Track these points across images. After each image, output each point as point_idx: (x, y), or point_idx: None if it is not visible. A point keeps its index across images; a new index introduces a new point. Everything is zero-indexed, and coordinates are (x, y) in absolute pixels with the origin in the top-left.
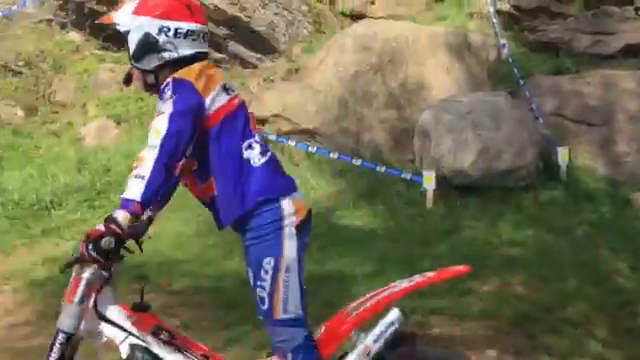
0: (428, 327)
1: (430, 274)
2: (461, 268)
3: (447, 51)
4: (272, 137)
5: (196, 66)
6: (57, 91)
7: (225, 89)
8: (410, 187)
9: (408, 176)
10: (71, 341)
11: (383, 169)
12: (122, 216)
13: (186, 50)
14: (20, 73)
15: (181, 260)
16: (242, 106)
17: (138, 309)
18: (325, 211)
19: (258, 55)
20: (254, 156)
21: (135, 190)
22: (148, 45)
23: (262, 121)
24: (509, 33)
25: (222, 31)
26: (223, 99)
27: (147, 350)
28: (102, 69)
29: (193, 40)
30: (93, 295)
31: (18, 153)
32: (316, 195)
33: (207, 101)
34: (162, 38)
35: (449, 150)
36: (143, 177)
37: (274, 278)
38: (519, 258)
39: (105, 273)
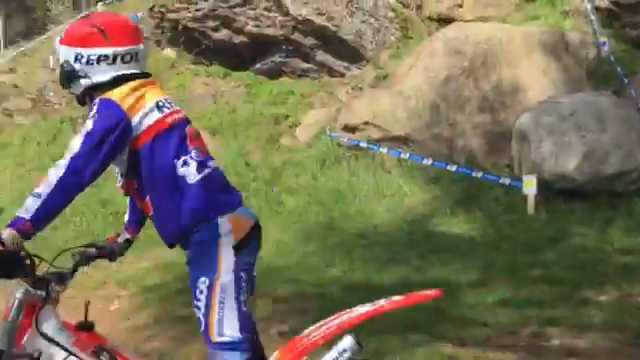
0: (545, 338)
1: (397, 298)
2: (432, 292)
3: (543, 51)
4: (363, 144)
5: (125, 87)
6: None
7: (159, 107)
8: (509, 192)
9: (507, 181)
10: (3, 356)
11: (480, 174)
12: (7, 234)
13: (102, 76)
14: None
15: (283, 267)
16: (179, 123)
17: (82, 328)
18: (421, 218)
19: (345, 64)
20: (189, 173)
21: (29, 208)
22: (67, 72)
23: (352, 129)
24: (608, 30)
25: (310, 41)
26: (154, 117)
27: None
28: (197, 83)
29: (108, 65)
30: (33, 314)
31: None
32: (410, 202)
33: (134, 120)
34: (77, 65)
35: (550, 153)
36: (40, 196)
37: (209, 298)
38: (635, 267)
39: (40, 292)
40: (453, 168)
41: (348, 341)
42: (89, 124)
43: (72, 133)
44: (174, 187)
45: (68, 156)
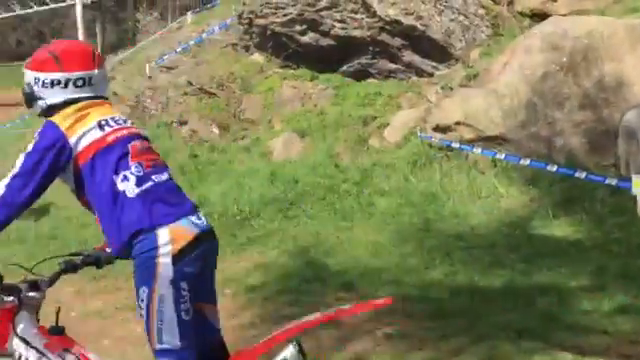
0: None
1: (346, 307)
2: (382, 301)
3: None
4: (455, 145)
5: (70, 109)
6: (246, 109)
7: (100, 126)
8: (615, 193)
9: (613, 182)
10: None
11: (583, 175)
12: None
13: (55, 98)
14: (214, 94)
15: (381, 268)
16: (121, 140)
17: (53, 332)
18: (520, 220)
19: (434, 63)
20: (129, 187)
21: None
22: (28, 94)
23: (444, 129)
24: None
25: (397, 42)
26: (95, 136)
27: None
28: (285, 86)
29: (61, 88)
30: (10, 319)
31: (216, 167)
32: (507, 203)
33: (72, 140)
34: (36, 88)
35: None
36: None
37: (148, 307)
38: None
39: (11, 298)
40: (553, 168)
41: (289, 350)
42: (30, 145)
43: (168, 138)
44: (114, 202)
45: (10, 175)
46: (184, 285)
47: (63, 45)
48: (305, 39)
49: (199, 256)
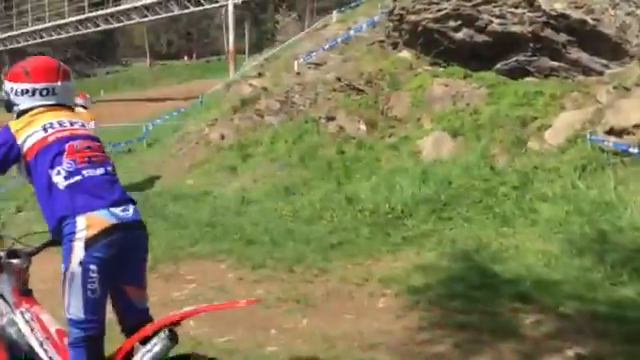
0: None
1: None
2: (244, 302)
3: None
4: (633, 150)
5: (27, 114)
6: (394, 106)
7: (45, 129)
8: None
9: None
10: None
11: None
12: None
13: (24, 105)
14: (362, 91)
15: (559, 280)
16: (60, 140)
17: (23, 293)
18: None
19: (604, 61)
20: (59, 181)
21: None
22: (6, 101)
23: (619, 132)
24: None
25: (562, 38)
26: (38, 137)
27: (15, 322)
28: (435, 84)
29: (29, 97)
30: None
31: (363, 164)
32: None
33: (20, 140)
34: (12, 96)
35: None
36: None
37: (63, 283)
38: None
39: None
40: None
41: (161, 335)
42: None
43: (315, 133)
44: (49, 192)
45: None
46: (93, 267)
47: (34, 61)
48: (459, 35)
49: (113, 243)
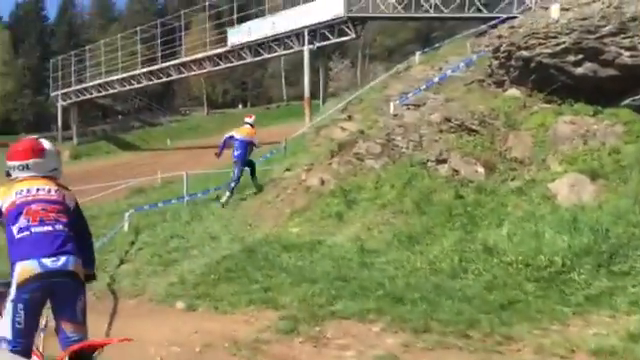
0: None
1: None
2: (120, 339)
3: None
4: None
5: (10, 182)
6: (513, 147)
7: (16, 194)
8: None
9: None
10: None
11: None
12: None
13: (13, 175)
14: (475, 131)
15: None
16: (23, 203)
17: None
18: None
19: None
20: (15, 234)
21: None
22: (6, 172)
23: None
24: None
25: None
26: (10, 200)
27: None
28: (561, 122)
29: (13, 170)
30: None
31: (487, 210)
32: None
33: (1, 201)
34: (6, 167)
35: None
36: None
37: (3, 312)
38: None
39: None
40: None
41: None
42: None
43: (426, 177)
44: (11, 242)
45: None
46: (20, 305)
47: (17, 144)
48: (579, 70)
49: (37, 287)
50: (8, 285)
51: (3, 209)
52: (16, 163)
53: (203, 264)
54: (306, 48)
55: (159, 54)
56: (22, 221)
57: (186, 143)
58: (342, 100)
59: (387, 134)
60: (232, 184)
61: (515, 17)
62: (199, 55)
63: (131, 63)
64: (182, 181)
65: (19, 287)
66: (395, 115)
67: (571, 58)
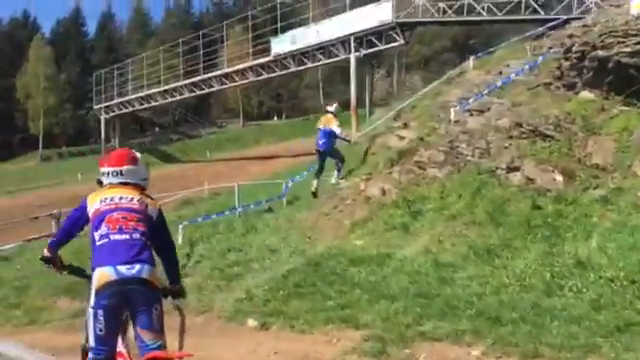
0: None
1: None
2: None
3: None
4: None
5: (100, 189)
6: (594, 153)
7: (101, 201)
8: None
9: None
10: None
11: None
12: (45, 250)
13: (105, 181)
14: (550, 137)
15: None
16: (106, 210)
17: None
18: None
19: None
20: (97, 240)
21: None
22: (98, 179)
23: None
24: None
25: None
26: (96, 206)
27: None
28: None
29: (106, 176)
30: None
31: (570, 221)
32: None
33: (89, 207)
34: (100, 175)
35: None
36: (56, 234)
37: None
38: None
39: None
40: None
41: None
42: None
43: (497, 186)
44: (93, 245)
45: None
46: (100, 312)
47: (113, 151)
48: None
49: (113, 294)
50: (83, 272)
51: (90, 215)
52: (110, 169)
53: (269, 278)
54: (352, 55)
55: (201, 65)
56: (103, 228)
57: (226, 154)
58: (392, 109)
59: (450, 141)
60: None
61: (578, 18)
62: (241, 65)
63: (172, 75)
64: (230, 192)
65: (97, 293)
66: (457, 121)
67: None
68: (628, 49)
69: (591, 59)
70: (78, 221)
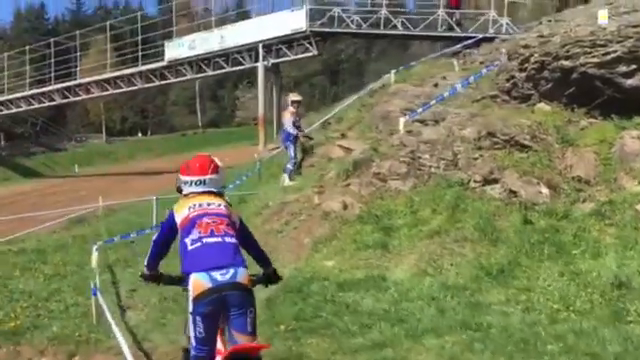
0: None
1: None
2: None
3: None
4: None
5: (184, 198)
6: (574, 165)
7: (189, 208)
8: None
9: None
10: None
11: None
12: (145, 269)
13: (185, 190)
14: (528, 147)
15: None
16: (196, 216)
17: None
18: None
19: None
20: (188, 245)
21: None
22: (177, 187)
23: None
24: None
25: None
26: (184, 214)
27: None
28: (627, 138)
29: (188, 185)
30: None
31: (567, 237)
32: None
33: (177, 215)
34: (180, 183)
35: None
36: (149, 254)
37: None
38: None
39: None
40: None
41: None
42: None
43: (477, 199)
44: (184, 252)
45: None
46: (198, 318)
47: (193, 159)
48: (630, 82)
49: (210, 302)
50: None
51: (178, 223)
52: (193, 178)
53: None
54: (260, 64)
55: (52, 74)
56: (194, 233)
57: (97, 170)
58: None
59: (411, 152)
60: (289, 165)
61: (492, 37)
62: (114, 74)
63: (21, 84)
64: (126, 209)
65: (195, 301)
66: (410, 131)
67: (622, 69)
68: (595, 60)
69: (552, 70)
70: (168, 233)
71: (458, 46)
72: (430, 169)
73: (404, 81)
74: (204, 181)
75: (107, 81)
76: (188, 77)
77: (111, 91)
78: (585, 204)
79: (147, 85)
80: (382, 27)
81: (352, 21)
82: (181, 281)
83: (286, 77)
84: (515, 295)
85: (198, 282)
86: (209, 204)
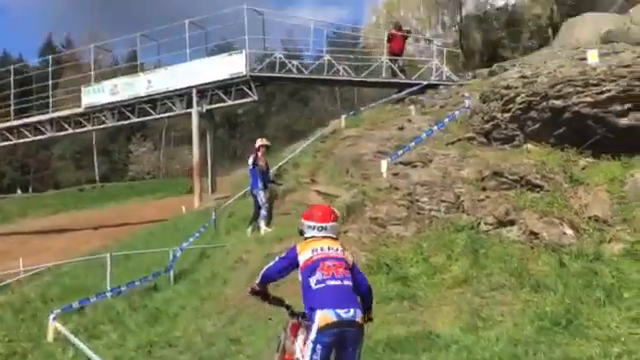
0: None
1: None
2: None
3: None
4: None
5: (306, 240)
6: (589, 205)
7: (312, 251)
8: None
9: None
10: None
11: None
12: (254, 284)
13: (307, 233)
14: (540, 187)
15: None
16: (319, 259)
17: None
18: None
19: None
20: (312, 285)
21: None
22: (300, 230)
23: None
24: None
25: None
26: (307, 256)
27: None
28: (638, 176)
29: (310, 229)
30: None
31: (607, 280)
32: None
33: (300, 255)
34: (303, 227)
35: None
36: (266, 274)
37: (304, 346)
38: None
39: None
40: None
41: None
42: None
43: (497, 243)
44: (307, 290)
45: (270, 263)
46: (318, 346)
47: (316, 207)
48: (623, 121)
49: (333, 334)
50: (300, 315)
51: (301, 263)
52: (317, 224)
53: None
54: (194, 110)
55: None
56: (318, 275)
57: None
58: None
59: (408, 194)
60: (263, 211)
61: (436, 85)
62: (21, 121)
63: None
64: (51, 271)
65: (320, 331)
66: (396, 174)
67: (616, 108)
68: (589, 99)
69: (541, 110)
70: (288, 267)
71: (403, 93)
72: (430, 212)
73: (356, 126)
74: (325, 227)
75: (10, 130)
76: (108, 124)
77: (14, 141)
78: (612, 244)
79: (60, 133)
80: (325, 72)
81: (294, 66)
82: (286, 306)
83: (182, 130)
84: (605, 346)
85: (325, 316)
86: (330, 248)
